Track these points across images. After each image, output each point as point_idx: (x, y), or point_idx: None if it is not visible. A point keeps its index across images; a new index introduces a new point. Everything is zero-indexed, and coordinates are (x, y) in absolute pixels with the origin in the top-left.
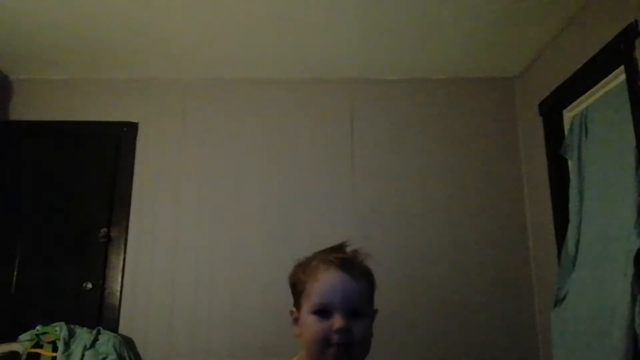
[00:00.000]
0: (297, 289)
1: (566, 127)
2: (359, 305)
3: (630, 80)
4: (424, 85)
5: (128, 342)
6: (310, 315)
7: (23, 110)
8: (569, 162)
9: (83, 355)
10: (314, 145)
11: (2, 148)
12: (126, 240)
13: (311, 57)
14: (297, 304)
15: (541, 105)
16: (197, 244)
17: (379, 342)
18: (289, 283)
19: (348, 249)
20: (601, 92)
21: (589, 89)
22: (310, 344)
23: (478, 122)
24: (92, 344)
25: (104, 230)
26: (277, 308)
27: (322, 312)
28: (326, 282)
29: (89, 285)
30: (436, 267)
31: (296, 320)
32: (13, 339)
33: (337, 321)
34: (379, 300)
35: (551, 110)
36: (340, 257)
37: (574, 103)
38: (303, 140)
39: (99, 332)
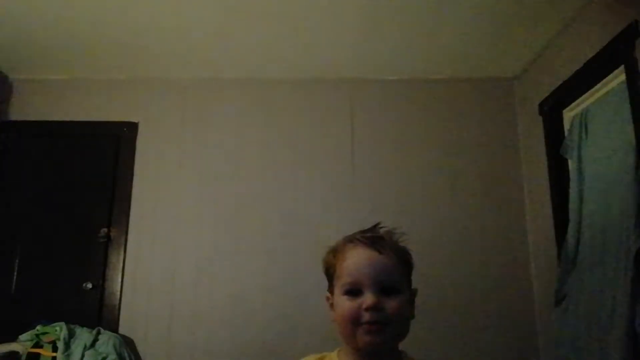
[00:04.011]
0: (329, 273)
1: (566, 127)
2: (391, 282)
3: (630, 80)
4: (424, 85)
5: (128, 342)
6: (342, 297)
7: (23, 110)
8: (569, 162)
9: (83, 355)
10: (314, 145)
11: (2, 148)
12: (126, 240)
13: (311, 57)
14: (331, 288)
15: (541, 105)
16: (197, 244)
17: None
18: (323, 269)
19: (382, 230)
20: (601, 92)
21: (589, 89)
22: (342, 326)
23: (478, 122)
24: (92, 344)
25: (104, 230)
26: (277, 308)
27: (353, 291)
28: (354, 261)
29: (89, 285)
30: (436, 266)
31: (332, 306)
32: (13, 339)
33: (367, 299)
34: None
35: (551, 110)
36: (367, 235)
37: (574, 103)
38: (303, 140)
39: (99, 332)
